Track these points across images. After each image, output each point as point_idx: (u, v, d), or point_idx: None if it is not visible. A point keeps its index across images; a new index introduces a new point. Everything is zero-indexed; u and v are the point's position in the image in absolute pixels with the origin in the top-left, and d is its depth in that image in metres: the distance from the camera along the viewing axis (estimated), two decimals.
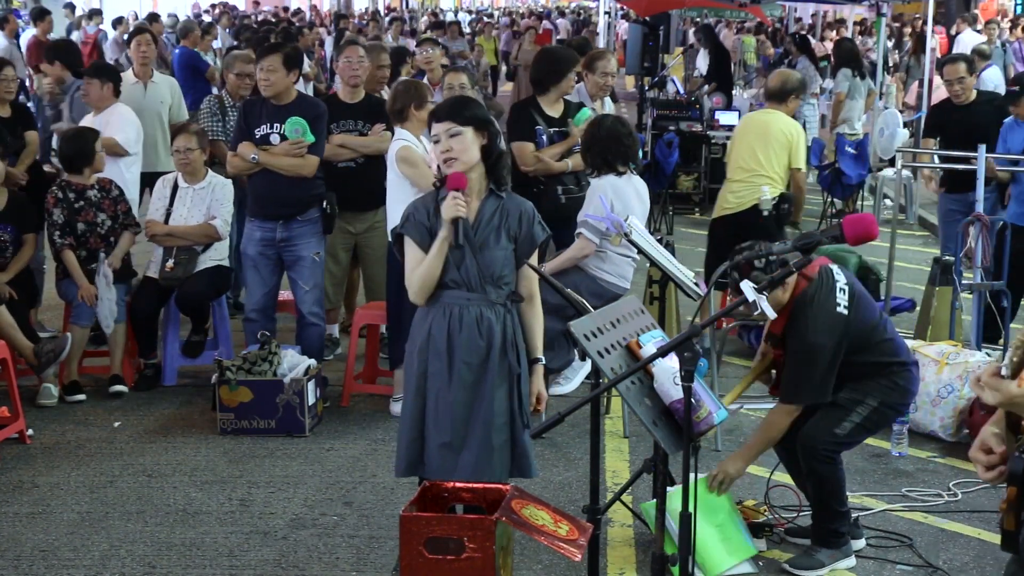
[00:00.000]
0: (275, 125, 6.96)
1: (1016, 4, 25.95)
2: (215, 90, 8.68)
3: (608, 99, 8.83)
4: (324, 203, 7.15)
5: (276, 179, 6.95)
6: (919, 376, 5.30)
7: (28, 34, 18.03)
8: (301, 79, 8.51)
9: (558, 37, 26.89)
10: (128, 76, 8.83)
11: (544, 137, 7.38)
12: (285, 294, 7.54)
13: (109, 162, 7.78)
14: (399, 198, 6.50)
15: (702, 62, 18.25)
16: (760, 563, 5.09)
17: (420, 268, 4.41)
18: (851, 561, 5.09)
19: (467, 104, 4.53)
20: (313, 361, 6.77)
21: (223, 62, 9.18)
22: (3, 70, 8.03)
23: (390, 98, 6.91)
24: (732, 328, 7.91)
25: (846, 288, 5.00)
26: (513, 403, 4.48)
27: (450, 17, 35.63)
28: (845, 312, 4.94)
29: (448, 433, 4.45)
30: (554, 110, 7.50)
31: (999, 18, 25.17)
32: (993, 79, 13.82)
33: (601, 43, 15.14)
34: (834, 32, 23.40)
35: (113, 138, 7.91)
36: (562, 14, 43.70)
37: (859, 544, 5.19)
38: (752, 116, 8.71)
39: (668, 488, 4.03)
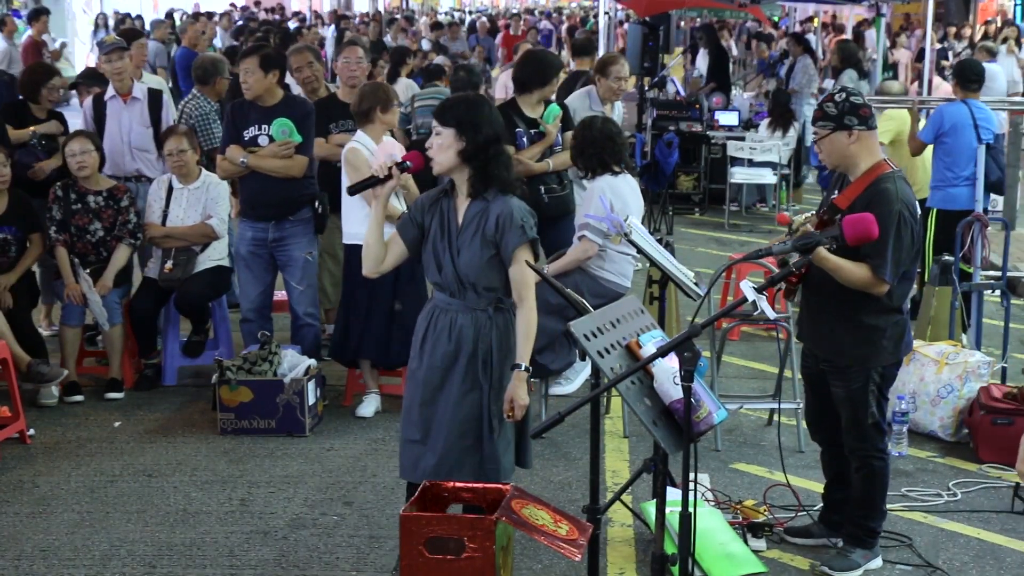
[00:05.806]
0: (263, 127, 6.96)
1: (1016, 4, 25.95)
2: (195, 90, 8.64)
3: (618, 103, 8.79)
4: (316, 203, 7.15)
5: (266, 180, 6.95)
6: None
7: (25, 35, 17.92)
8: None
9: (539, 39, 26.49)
10: None
11: (524, 139, 7.33)
12: (281, 295, 7.54)
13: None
14: (348, 200, 6.50)
15: (701, 62, 18.23)
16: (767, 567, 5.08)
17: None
18: (879, 562, 5.09)
19: (457, 104, 4.41)
20: (313, 361, 6.77)
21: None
22: None
23: (356, 98, 6.76)
24: (733, 328, 7.91)
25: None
26: (483, 410, 4.43)
27: (450, 17, 35.57)
28: (918, 213, 4.82)
29: (414, 431, 4.54)
30: (534, 111, 7.43)
31: (997, 19, 25.15)
32: (997, 75, 13.83)
33: (602, 43, 15.08)
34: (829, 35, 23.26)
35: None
36: (556, 15, 43.17)
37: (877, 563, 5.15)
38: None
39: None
